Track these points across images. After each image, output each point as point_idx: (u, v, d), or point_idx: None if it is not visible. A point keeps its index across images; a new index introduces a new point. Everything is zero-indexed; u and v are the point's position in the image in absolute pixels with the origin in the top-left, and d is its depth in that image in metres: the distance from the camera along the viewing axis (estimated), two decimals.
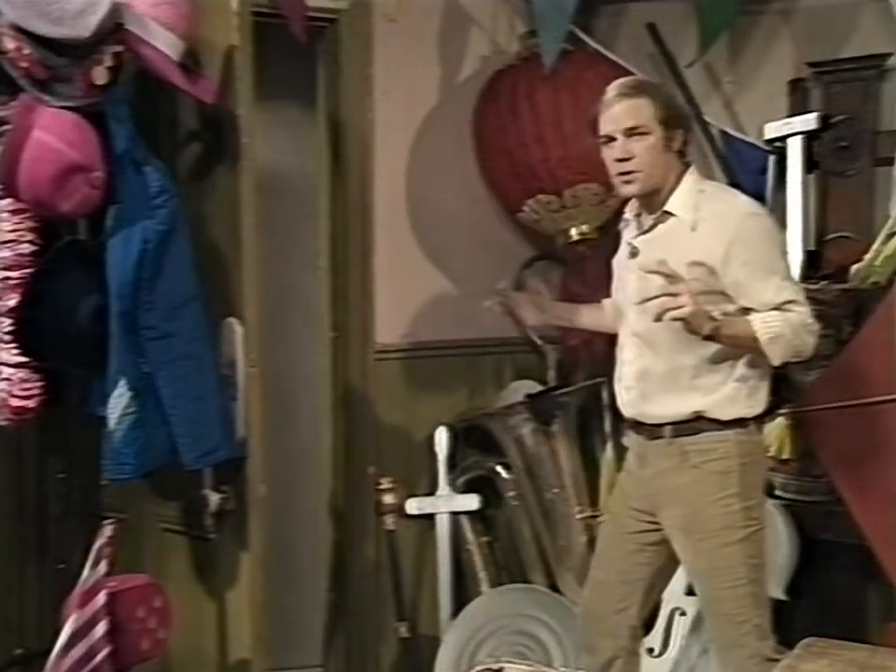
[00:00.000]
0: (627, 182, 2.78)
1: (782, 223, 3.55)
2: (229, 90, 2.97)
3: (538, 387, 3.92)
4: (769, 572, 3.37)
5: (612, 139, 2.76)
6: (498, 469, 3.82)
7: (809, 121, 3.49)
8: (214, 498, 3.06)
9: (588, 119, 2.85)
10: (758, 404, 2.83)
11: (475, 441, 3.88)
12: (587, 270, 3.91)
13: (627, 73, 3.72)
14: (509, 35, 3.91)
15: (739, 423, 2.79)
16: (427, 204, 3.85)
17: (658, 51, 3.75)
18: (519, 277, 4.01)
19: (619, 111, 2.74)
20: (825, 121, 3.49)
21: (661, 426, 2.81)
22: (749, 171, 3.68)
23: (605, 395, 3.77)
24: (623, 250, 2.92)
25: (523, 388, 3.93)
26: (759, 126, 3.60)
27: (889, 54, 3.43)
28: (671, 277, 2.62)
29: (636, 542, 2.94)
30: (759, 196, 3.64)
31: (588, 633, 3.05)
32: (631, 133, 2.73)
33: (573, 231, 3.78)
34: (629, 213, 2.93)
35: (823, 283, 3.37)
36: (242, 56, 2.95)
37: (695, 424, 2.79)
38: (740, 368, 2.78)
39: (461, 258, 3.93)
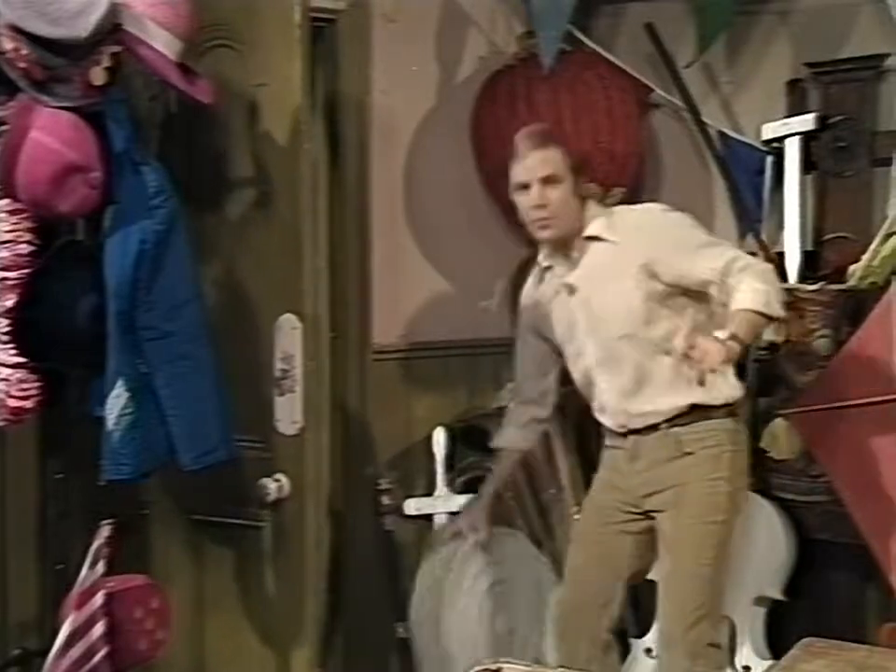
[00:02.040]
0: (543, 227, 2.95)
1: (780, 224, 3.56)
2: (285, 94, 3.07)
3: None
4: (767, 572, 3.42)
5: (527, 187, 2.92)
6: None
7: (807, 122, 3.49)
8: (272, 487, 3.11)
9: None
10: (737, 385, 2.96)
11: (473, 441, 3.84)
12: None
13: (625, 73, 3.77)
14: (507, 35, 3.92)
15: (728, 412, 2.92)
16: (424, 205, 3.85)
17: (656, 52, 3.75)
18: (516, 277, 3.95)
19: (533, 161, 2.91)
20: (823, 122, 3.50)
21: (656, 424, 2.90)
22: (747, 171, 3.69)
23: None
24: (551, 297, 3.03)
25: None
26: (757, 127, 3.61)
27: (888, 55, 3.44)
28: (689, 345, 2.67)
29: (618, 532, 3.02)
30: (756, 197, 3.66)
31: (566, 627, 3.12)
32: (546, 181, 2.89)
33: None
34: (543, 262, 3.06)
35: (821, 283, 3.39)
36: (303, 66, 3.06)
37: (690, 415, 2.90)
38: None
39: (459, 258, 3.93)
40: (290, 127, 3.09)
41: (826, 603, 3.49)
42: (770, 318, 2.77)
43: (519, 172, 2.94)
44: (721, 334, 2.67)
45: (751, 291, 2.74)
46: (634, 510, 3.00)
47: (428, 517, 3.78)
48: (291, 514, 3.11)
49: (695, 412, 2.90)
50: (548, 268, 3.07)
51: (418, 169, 3.82)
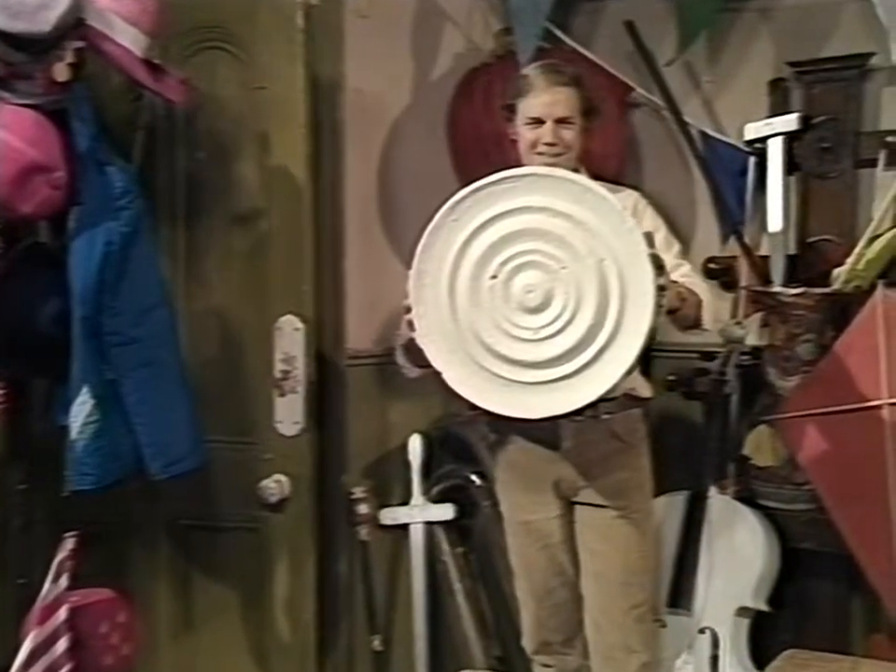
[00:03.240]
0: (550, 165, 2.88)
1: (762, 226, 3.54)
2: (286, 97, 3.23)
3: None
4: (750, 582, 3.43)
5: (540, 122, 2.91)
6: (473, 477, 3.78)
7: (790, 122, 3.45)
8: (273, 488, 3.20)
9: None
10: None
11: (450, 448, 3.85)
12: None
13: (604, 71, 3.73)
14: (483, 32, 3.89)
15: (644, 404, 3.00)
16: (399, 206, 3.81)
17: (636, 50, 3.72)
18: None
19: (551, 99, 2.90)
20: (806, 122, 3.46)
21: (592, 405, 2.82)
22: (729, 172, 3.66)
23: None
24: None
25: None
26: (739, 126, 3.56)
27: (872, 54, 3.41)
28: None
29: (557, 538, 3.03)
30: (739, 198, 3.65)
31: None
32: (560, 121, 2.89)
33: None
34: None
35: (805, 287, 3.36)
36: (306, 70, 3.23)
37: (624, 401, 2.92)
38: None
39: None
40: (293, 129, 3.21)
41: (810, 613, 3.47)
42: (697, 321, 2.89)
43: (533, 106, 2.92)
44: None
45: (698, 288, 2.92)
46: (559, 502, 3.00)
47: (404, 527, 3.76)
48: (293, 516, 3.24)
49: (629, 399, 2.93)
50: None
51: (393, 168, 3.79)
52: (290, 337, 3.25)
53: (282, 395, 3.26)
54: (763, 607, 3.43)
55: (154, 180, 3.32)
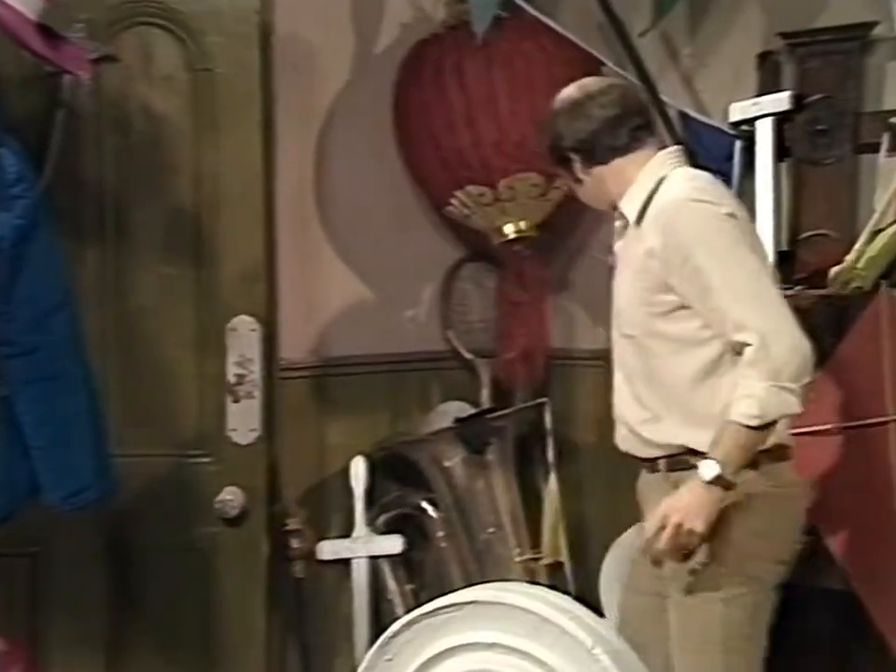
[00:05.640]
0: None
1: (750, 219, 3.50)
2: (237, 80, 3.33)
3: (469, 410, 3.89)
4: None
5: None
6: (424, 505, 3.79)
7: (781, 101, 3.43)
8: (232, 500, 3.30)
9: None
10: None
11: (397, 472, 3.83)
12: (525, 272, 3.91)
13: (571, 44, 3.70)
14: None
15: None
16: (338, 198, 3.81)
17: (607, 19, 3.65)
18: (447, 282, 3.99)
19: None
20: (799, 101, 3.43)
21: (654, 459, 2.71)
22: (713, 158, 3.56)
23: (547, 417, 3.75)
24: None
25: (452, 411, 3.91)
26: (723, 107, 3.54)
27: (874, 23, 3.36)
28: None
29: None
30: None
31: None
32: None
33: (508, 228, 3.77)
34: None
35: (798, 288, 3.32)
36: (262, 54, 3.36)
37: (687, 458, 2.65)
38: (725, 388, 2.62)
39: (380, 260, 3.88)
40: (247, 117, 3.31)
41: (808, 658, 3.41)
42: (768, 426, 2.56)
43: None
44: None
45: (742, 393, 2.53)
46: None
47: (346, 562, 3.74)
48: (247, 531, 3.33)
49: (694, 455, 2.64)
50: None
51: (331, 155, 3.79)
52: (246, 339, 3.33)
53: (236, 401, 3.33)
54: None
55: (78, 168, 3.32)
